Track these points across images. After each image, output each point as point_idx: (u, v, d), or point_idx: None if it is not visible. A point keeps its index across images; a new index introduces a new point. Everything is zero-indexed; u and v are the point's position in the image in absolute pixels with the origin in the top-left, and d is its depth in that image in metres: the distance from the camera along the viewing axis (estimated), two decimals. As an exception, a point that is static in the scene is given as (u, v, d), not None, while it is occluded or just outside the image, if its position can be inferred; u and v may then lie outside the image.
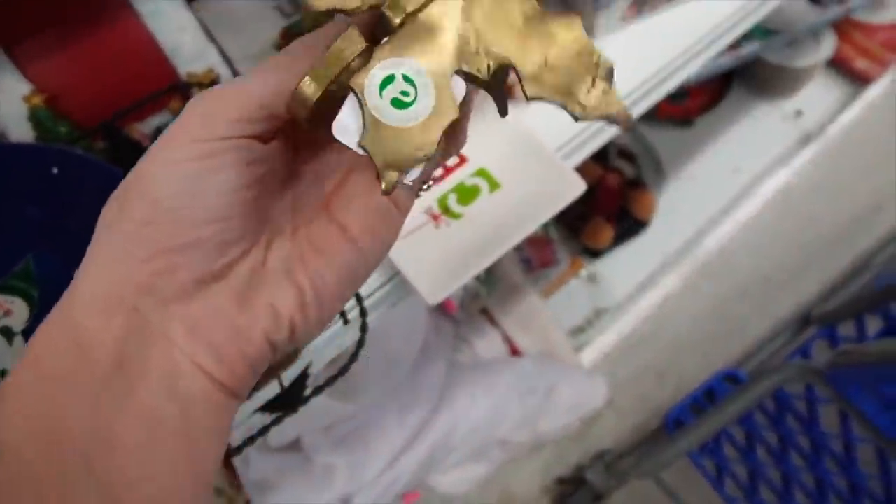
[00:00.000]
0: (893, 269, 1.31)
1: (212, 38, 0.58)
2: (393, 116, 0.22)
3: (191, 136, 0.23)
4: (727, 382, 1.12)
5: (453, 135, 0.26)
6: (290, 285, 0.25)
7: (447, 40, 0.22)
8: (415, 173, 0.23)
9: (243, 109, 0.23)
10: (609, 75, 0.23)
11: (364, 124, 0.22)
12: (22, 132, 0.52)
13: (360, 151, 0.22)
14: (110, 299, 0.23)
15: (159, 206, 0.23)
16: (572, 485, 1.27)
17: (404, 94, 0.22)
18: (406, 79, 0.22)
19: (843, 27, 1.53)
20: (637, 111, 0.65)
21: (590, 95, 0.23)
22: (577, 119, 0.23)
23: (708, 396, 1.14)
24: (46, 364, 0.22)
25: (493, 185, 0.57)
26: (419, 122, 0.22)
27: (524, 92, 0.23)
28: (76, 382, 0.22)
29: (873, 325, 1.26)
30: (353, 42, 0.22)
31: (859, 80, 1.56)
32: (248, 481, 0.98)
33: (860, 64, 1.53)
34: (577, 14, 0.23)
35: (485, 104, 0.60)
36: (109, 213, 0.24)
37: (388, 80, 0.22)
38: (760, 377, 0.87)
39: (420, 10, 0.22)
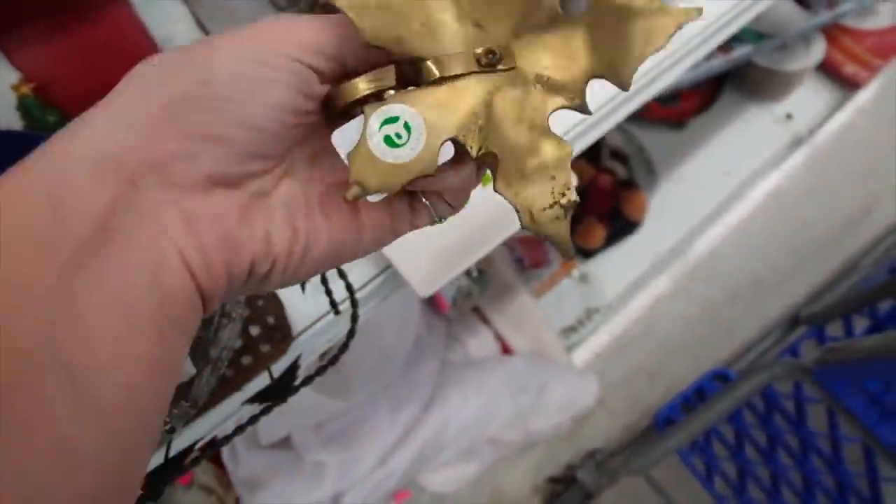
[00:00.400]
0: (881, 270, 1.32)
1: (205, 30, 0.58)
2: (378, 149, 0.25)
3: (261, 42, 0.23)
4: (717, 381, 1.13)
5: (453, 194, 0.28)
6: (288, 225, 0.25)
7: (460, 111, 0.25)
8: (376, 198, 0.25)
9: (316, 39, 0.24)
10: (569, 208, 0.26)
11: (357, 142, 0.24)
12: (10, 121, 0.52)
13: (345, 161, 0.25)
14: (110, 163, 0.21)
15: (208, 87, 0.22)
16: (563, 484, 1.27)
17: (398, 136, 0.25)
18: (406, 126, 0.25)
19: (833, 32, 1.54)
20: (626, 110, 0.66)
21: (543, 214, 0.26)
22: (522, 227, 0.26)
23: (698, 395, 1.14)
24: (11, 216, 0.20)
25: (486, 179, 0.57)
26: (395, 163, 0.25)
27: (493, 182, 0.26)
28: (47, 245, 0.20)
29: (860, 325, 1.27)
30: (388, 78, 0.25)
31: (848, 85, 1.58)
32: (238, 479, 0.98)
33: (849, 69, 1.55)
34: (568, 143, 0.26)
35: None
36: (146, 73, 0.23)
37: (393, 119, 0.25)
38: (749, 375, 0.88)
39: (456, 77, 0.25)
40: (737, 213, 1.51)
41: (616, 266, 1.40)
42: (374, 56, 0.25)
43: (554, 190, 0.26)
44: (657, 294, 1.44)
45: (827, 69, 1.58)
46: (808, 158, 1.58)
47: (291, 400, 0.50)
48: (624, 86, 0.26)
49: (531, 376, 1.14)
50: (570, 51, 0.26)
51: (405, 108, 0.25)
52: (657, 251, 1.43)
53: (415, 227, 0.29)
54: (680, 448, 1.05)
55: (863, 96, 1.62)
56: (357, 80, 0.25)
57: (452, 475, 1.15)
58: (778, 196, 1.55)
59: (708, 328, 1.44)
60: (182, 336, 0.23)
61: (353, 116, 0.25)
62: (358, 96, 0.25)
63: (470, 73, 0.25)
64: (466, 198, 0.29)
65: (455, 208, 0.29)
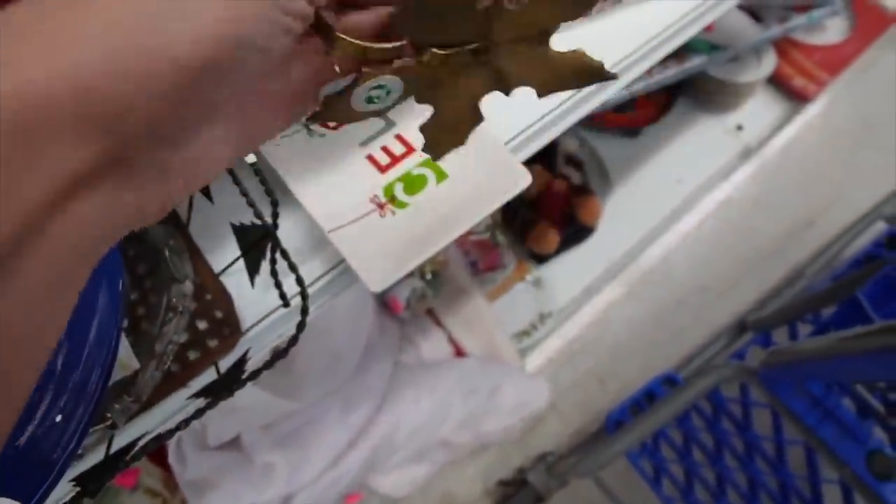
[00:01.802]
0: (824, 278, 1.36)
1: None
2: (357, 102, 0.28)
3: None
4: (666, 385, 1.15)
5: None
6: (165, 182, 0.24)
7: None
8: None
9: None
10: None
11: (339, 92, 0.28)
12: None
13: (320, 97, 0.28)
14: None
15: None
16: (514, 487, 1.28)
17: (378, 97, 0.29)
18: (387, 89, 0.29)
19: (783, 46, 1.59)
20: (579, 113, 0.66)
21: None
22: None
23: (648, 399, 1.16)
24: None
25: (441, 176, 0.57)
26: (363, 111, 0.29)
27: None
28: None
29: (805, 331, 1.31)
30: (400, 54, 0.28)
31: (797, 98, 1.63)
32: (185, 481, 0.96)
33: (798, 82, 1.60)
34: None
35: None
36: None
37: (383, 87, 0.28)
38: (697, 377, 0.89)
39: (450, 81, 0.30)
40: (688, 220, 1.54)
41: (569, 271, 1.41)
42: None
43: None
44: (609, 299, 1.45)
45: (777, 82, 1.62)
46: (757, 170, 1.62)
47: (241, 400, 0.49)
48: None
49: (483, 378, 1.14)
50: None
51: (397, 80, 0.28)
52: (610, 257, 1.45)
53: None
54: (629, 450, 1.06)
55: (811, 110, 1.68)
56: (374, 45, 0.27)
57: (404, 478, 1.14)
58: (728, 205, 1.59)
59: (658, 333, 1.46)
60: None
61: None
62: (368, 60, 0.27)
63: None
64: None
65: None
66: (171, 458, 0.94)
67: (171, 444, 0.94)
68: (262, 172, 0.44)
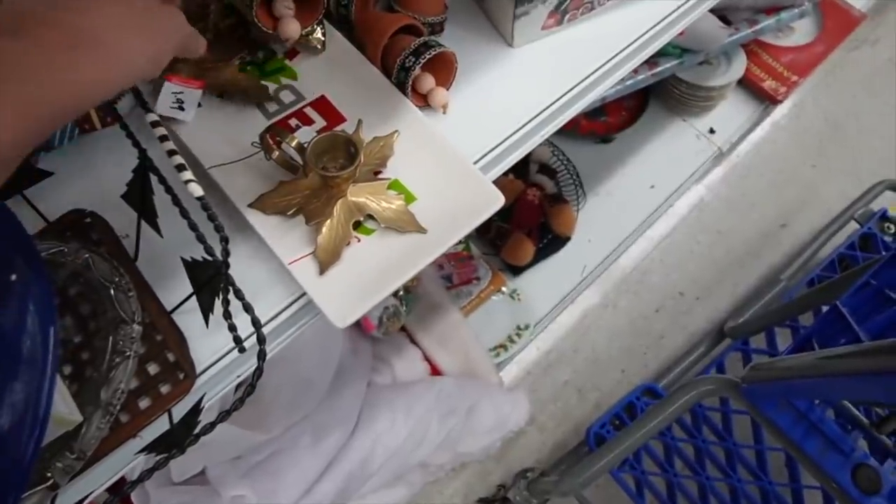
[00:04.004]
0: (799, 283, 1.35)
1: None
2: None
3: None
4: (646, 397, 1.13)
5: None
6: None
7: None
8: None
9: None
10: None
11: None
12: None
13: None
14: None
15: None
16: (494, 505, 1.25)
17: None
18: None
19: (753, 48, 1.59)
20: (555, 124, 0.63)
21: None
22: None
23: (628, 411, 1.13)
24: None
25: (409, 199, 0.54)
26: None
27: None
28: None
29: (782, 336, 1.30)
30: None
31: (767, 100, 1.62)
32: (148, 518, 0.91)
33: (768, 84, 1.59)
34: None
35: (398, 107, 0.57)
36: None
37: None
38: (679, 391, 0.87)
39: None
40: (662, 226, 1.53)
41: (545, 282, 1.38)
42: None
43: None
44: (586, 308, 1.43)
45: (748, 84, 1.62)
46: (729, 172, 1.62)
47: (206, 434, 0.45)
48: None
49: (460, 397, 1.10)
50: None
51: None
52: (586, 265, 1.42)
53: None
54: (612, 468, 1.04)
55: (779, 112, 1.67)
56: None
57: (380, 501, 1.10)
58: (701, 209, 1.58)
59: (636, 341, 1.44)
60: None
61: None
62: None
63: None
64: None
65: None
66: (133, 496, 0.89)
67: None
68: (210, 206, 0.40)
